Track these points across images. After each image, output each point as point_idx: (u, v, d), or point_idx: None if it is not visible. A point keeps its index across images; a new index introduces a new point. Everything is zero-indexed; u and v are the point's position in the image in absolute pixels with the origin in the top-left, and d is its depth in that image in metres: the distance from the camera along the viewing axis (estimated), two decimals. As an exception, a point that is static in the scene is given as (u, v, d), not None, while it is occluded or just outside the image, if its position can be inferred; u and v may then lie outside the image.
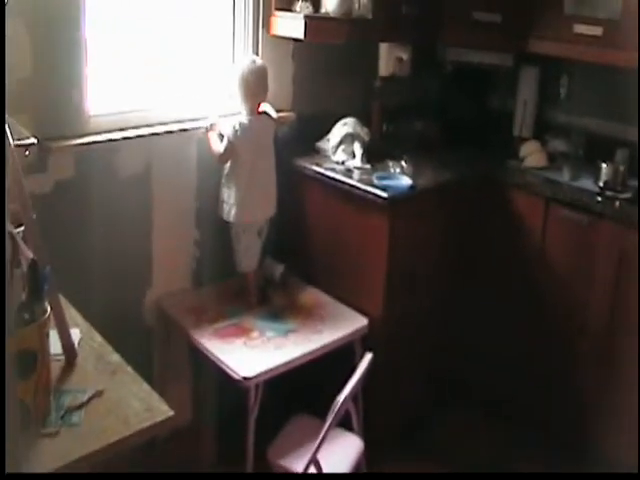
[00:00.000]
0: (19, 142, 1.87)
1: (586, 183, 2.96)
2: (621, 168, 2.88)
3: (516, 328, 3.09)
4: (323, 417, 2.17)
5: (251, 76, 2.65)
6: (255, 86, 2.67)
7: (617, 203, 2.79)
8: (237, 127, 2.65)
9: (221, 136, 2.71)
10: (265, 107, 2.79)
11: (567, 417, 2.97)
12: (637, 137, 3.07)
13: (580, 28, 2.95)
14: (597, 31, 2.90)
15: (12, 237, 1.53)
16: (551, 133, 3.33)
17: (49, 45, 2.30)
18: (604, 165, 2.89)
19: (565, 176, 3.03)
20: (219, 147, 2.69)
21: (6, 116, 1.48)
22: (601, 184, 2.88)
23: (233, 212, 2.72)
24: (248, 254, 2.80)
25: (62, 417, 1.54)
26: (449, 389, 3.28)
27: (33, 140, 2.01)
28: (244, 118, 2.69)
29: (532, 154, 3.20)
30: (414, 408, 3.15)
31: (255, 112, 2.71)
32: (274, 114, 2.83)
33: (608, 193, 2.85)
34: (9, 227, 1.46)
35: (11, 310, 1.28)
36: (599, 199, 2.82)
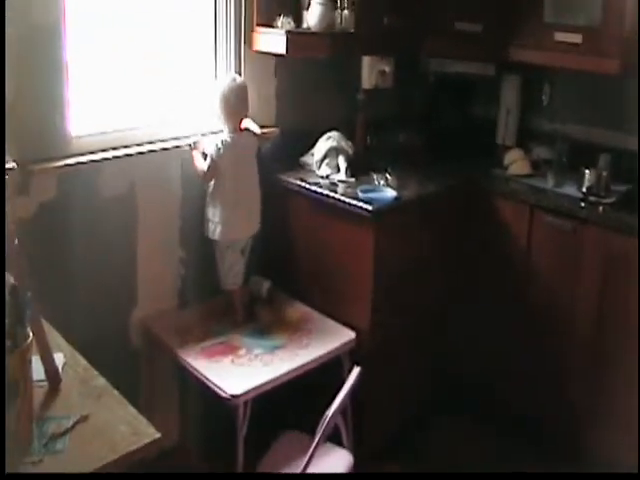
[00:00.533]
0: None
1: (570, 189, 2.98)
2: (604, 174, 2.90)
3: (504, 334, 3.10)
4: (312, 433, 2.15)
5: (231, 94, 2.66)
6: (236, 104, 2.67)
7: (600, 208, 2.81)
8: (220, 145, 2.65)
9: (204, 155, 2.71)
10: (248, 123, 2.79)
11: (561, 419, 2.97)
12: (618, 142, 3.12)
13: (560, 36, 2.98)
14: (577, 38, 2.93)
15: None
16: (534, 141, 3.36)
17: (30, 67, 2.30)
18: (587, 171, 2.91)
19: (549, 183, 3.05)
20: (203, 166, 2.69)
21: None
22: (584, 190, 2.90)
23: (218, 230, 2.72)
24: (232, 272, 2.80)
25: (45, 445, 1.52)
26: (439, 401, 3.27)
27: (13, 164, 2.01)
28: (226, 136, 2.69)
29: (516, 162, 3.22)
30: (404, 420, 3.14)
31: (237, 130, 2.72)
32: (257, 129, 2.83)
33: (592, 199, 2.86)
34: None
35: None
36: (583, 205, 2.84)
